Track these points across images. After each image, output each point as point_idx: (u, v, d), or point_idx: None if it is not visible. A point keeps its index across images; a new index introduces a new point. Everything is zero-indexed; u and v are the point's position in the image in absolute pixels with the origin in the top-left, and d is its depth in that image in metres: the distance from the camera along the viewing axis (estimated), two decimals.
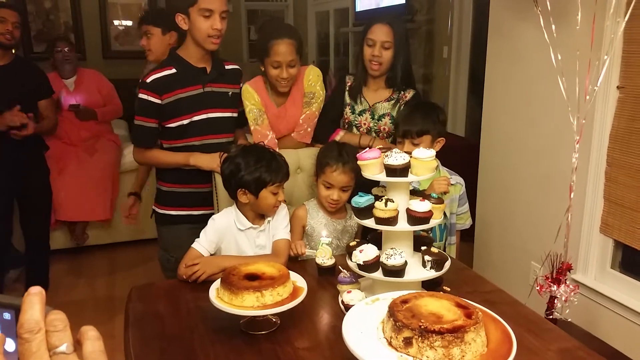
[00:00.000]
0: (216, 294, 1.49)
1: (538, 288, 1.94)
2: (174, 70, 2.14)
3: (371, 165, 1.55)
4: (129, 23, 6.08)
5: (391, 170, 1.50)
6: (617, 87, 2.26)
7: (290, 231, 1.99)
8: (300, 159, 2.31)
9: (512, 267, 2.89)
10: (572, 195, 2.00)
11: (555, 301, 1.91)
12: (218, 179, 2.17)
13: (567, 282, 1.91)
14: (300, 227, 2.11)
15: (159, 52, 2.74)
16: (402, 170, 1.50)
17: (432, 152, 1.52)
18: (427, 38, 4.94)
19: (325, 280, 1.81)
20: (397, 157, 1.49)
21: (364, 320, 1.30)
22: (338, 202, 2.07)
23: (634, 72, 2.20)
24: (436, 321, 1.18)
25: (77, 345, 0.55)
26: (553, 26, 2.09)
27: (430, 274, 1.53)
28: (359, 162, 1.58)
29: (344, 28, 6.51)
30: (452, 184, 2.12)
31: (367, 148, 1.62)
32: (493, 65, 2.99)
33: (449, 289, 1.60)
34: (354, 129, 2.43)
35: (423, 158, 1.50)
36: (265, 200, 1.86)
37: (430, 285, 1.61)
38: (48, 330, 0.53)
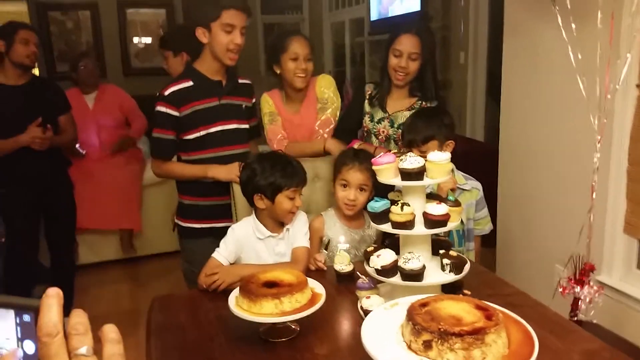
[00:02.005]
0: (235, 302, 1.50)
1: (561, 290, 1.91)
2: (191, 83, 2.17)
3: (386, 170, 1.55)
4: (149, 40, 6.19)
5: (406, 174, 1.50)
6: (637, 85, 2.23)
7: None
8: (317, 167, 2.32)
9: (535, 271, 2.84)
10: (594, 196, 1.97)
11: (579, 302, 1.88)
12: (236, 190, 2.18)
13: (591, 283, 1.87)
14: (318, 239, 2.11)
15: (176, 73, 2.82)
16: (417, 174, 1.49)
17: (447, 155, 1.51)
18: (444, 44, 4.93)
19: (344, 286, 1.80)
20: (411, 161, 1.49)
21: (383, 325, 1.30)
22: (355, 203, 2.06)
23: None
24: (456, 324, 1.17)
25: (98, 344, 0.56)
26: (573, 25, 2.07)
27: (450, 277, 1.52)
28: (374, 167, 1.58)
29: (360, 38, 6.53)
30: (467, 189, 2.11)
31: None
32: (510, 67, 2.97)
33: (469, 293, 1.58)
34: (373, 137, 2.42)
35: (438, 161, 1.49)
36: (281, 205, 1.87)
37: (450, 289, 1.59)
38: (70, 333, 0.54)
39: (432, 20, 4.87)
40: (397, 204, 1.51)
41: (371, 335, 1.25)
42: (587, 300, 1.84)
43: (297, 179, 1.88)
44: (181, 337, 1.56)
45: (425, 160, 1.51)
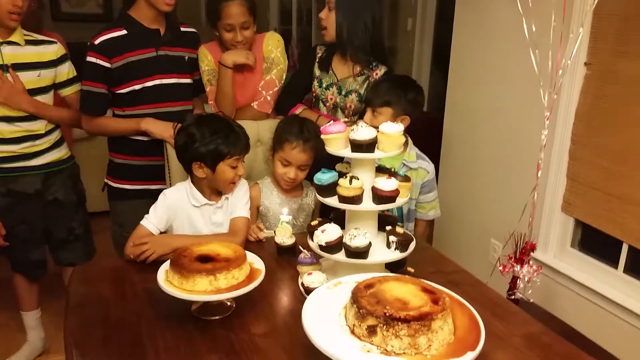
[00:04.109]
0: (165, 277, 1.38)
1: (501, 268, 1.91)
2: (124, 32, 1.97)
3: (335, 139, 1.45)
4: None
5: (357, 146, 1.41)
6: (585, 63, 2.22)
7: None
8: (260, 132, 2.19)
9: (471, 243, 2.87)
10: (539, 174, 1.96)
11: (518, 281, 1.88)
12: (170, 151, 2.03)
13: (531, 263, 1.88)
14: (255, 208, 2.00)
15: None
16: (369, 146, 1.41)
17: (401, 127, 1.43)
18: (391, 10, 4.82)
19: (285, 260, 1.72)
20: (363, 132, 1.40)
21: (325, 306, 1.22)
22: (295, 181, 1.98)
23: (601, 49, 2.16)
24: (402, 307, 1.11)
25: None
26: None
27: (395, 255, 1.46)
28: (322, 136, 1.48)
29: None
30: (413, 168, 2.04)
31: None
32: (460, 36, 2.91)
33: (413, 270, 1.54)
34: (321, 104, 2.30)
35: (390, 133, 1.41)
36: (223, 174, 1.74)
37: (394, 266, 1.54)
38: None
39: None
40: (346, 177, 1.42)
41: (312, 318, 1.17)
42: (526, 279, 1.85)
43: (239, 146, 1.74)
44: (104, 312, 1.43)
45: (378, 132, 1.42)
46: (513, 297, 1.88)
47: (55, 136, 2.26)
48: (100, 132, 2.16)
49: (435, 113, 4.02)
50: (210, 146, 1.69)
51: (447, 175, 3.05)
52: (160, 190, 2.07)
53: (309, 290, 1.48)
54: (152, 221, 1.75)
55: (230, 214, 1.83)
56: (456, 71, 2.97)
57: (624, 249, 2.13)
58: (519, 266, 1.85)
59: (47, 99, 2.20)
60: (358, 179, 1.41)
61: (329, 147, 1.47)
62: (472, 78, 2.82)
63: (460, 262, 1.79)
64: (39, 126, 2.17)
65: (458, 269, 1.73)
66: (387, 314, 1.08)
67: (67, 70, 2.24)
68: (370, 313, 1.09)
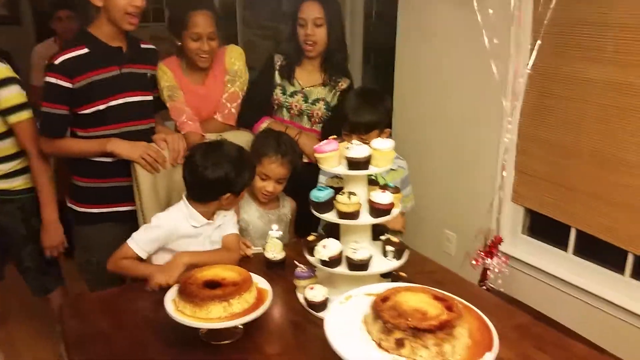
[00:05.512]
0: (175, 307, 1.37)
1: (475, 262, 2.04)
2: (86, 50, 1.89)
3: (330, 157, 1.50)
4: None
5: (353, 163, 1.46)
6: (526, 64, 2.39)
7: None
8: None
9: (427, 235, 3.01)
10: (504, 174, 2.10)
11: (488, 272, 2.03)
12: (140, 171, 1.98)
13: (499, 255, 2.03)
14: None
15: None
16: (364, 163, 1.46)
17: (392, 143, 1.50)
18: None
19: (274, 273, 1.74)
20: (358, 150, 1.45)
21: (344, 322, 1.27)
22: (273, 194, 2.02)
23: (543, 52, 2.33)
24: (423, 318, 1.18)
25: None
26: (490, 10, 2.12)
27: (393, 264, 1.53)
28: (316, 155, 1.52)
29: None
30: (394, 169, 2.13)
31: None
32: (404, 40, 3.01)
33: (405, 275, 1.62)
34: (284, 111, 2.33)
35: (384, 149, 1.47)
36: (241, 198, 1.87)
37: (386, 272, 1.61)
38: None
39: None
40: (343, 193, 1.47)
41: (336, 335, 1.21)
42: (497, 270, 1.99)
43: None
44: (107, 346, 1.40)
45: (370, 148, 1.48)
46: (485, 287, 2.03)
47: (8, 167, 2.14)
48: (61, 154, 2.06)
49: None
50: (245, 178, 1.80)
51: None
52: (129, 212, 2.04)
53: (312, 304, 1.53)
54: (141, 244, 1.71)
55: (223, 231, 1.84)
56: (401, 74, 3.06)
57: (572, 233, 2.34)
58: (489, 258, 1.99)
59: None
60: (356, 195, 1.47)
61: (323, 165, 1.52)
62: (419, 81, 2.93)
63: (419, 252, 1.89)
64: None
65: (437, 267, 1.84)
66: (412, 326, 1.15)
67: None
68: (396, 327, 1.16)
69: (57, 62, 1.84)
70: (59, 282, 2.43)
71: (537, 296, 2.31)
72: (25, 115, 2.09)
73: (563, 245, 2.39)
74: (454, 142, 2.75)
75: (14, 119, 2.07)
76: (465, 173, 2.70)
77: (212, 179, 1.72)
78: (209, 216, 1.80)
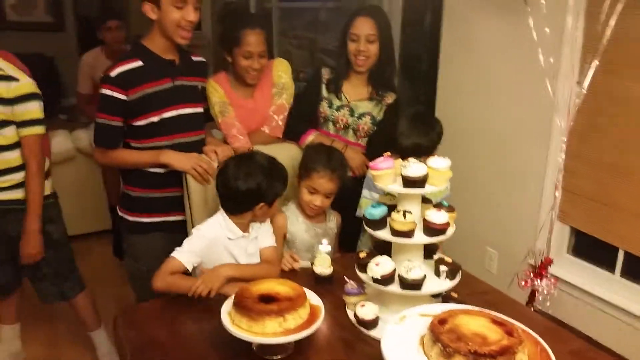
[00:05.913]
0: (231, 320, 1.38)
1: (524, 283, 2.01)
2: (140, 63, 1.93)
3: (386, 175, 1.50)
4: None
5: (409, 182, 1.46)
6: (577, 82, 2.36)
7: None
8: (275, 156, 2.20)
9: (467, 252, 2.97)
10: (557, 194, 2.07)
11: (536, 294, 2.00)
12: (191, 182, 2.02)
13: (549, 276, 2.00)
14: (282, 237, 2.04)
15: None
16: (421, 181, 1.46)
17: (448, 162, 1.49)
18: None
19: (322, 289, 1.74)
20: (415, 168, 1.45)
21: (402, 344, 1.26)
22: (321, 208, 2.03)
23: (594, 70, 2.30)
24: (483, 343, 1.17)
25: None
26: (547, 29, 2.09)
27: (446, 284, 1.52)
28: (372, 172, 1.52)
29: (268, 3, 6.25)
30: None
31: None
32: (447, 52, 3.00)
33: (457, 295, 1.61)
34: (330, 124, 2.34)
35: (440, 168, 1.47)
36: (274, 208, 1.87)
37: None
38: None
39: None
40: (398, 211, 1.47)
41: (393, 356, 1.21)
42: (545, 292, 1.96)
43: (286, 180, 1.88)
44: (165, 356, 1.42)
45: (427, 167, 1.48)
46: (533, 310, 1.99)
47: (21, 177, 2.21)
48: (114, 165, 2.12)
49: None
50: (278, 189, 1.82)
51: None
52: (179, 222, 2.07)
53: (362, 322, 1.53)
54: (187, 256, 1.73)
55: (260, 244, 1.86)
56: (444, 86, 3.05)
57: (620, 255, 2.28)
58: (538, 280, 1.96)
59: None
60: (411, 213, 1.46)
61: (378, 183, 1.52)
62: (463, 94, 2.92)
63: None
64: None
65: (489, 288, 1.82)
66: (473, 351, 1.14)
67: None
68: (456, 350, 1.15)
69: (112, 74, 1.89)
70: (81, 287, 2.51)
71: (582, 318, 2.26)
72: (37, 130, 2.17)
73: (608, 266, 2.34)
74: (499, 159, 2.72)
75: (25, 131, 2.15)
76: (510, 190, 2.67)
77: (244, 189, 1.74)
78: (244, 228, 1.82)
